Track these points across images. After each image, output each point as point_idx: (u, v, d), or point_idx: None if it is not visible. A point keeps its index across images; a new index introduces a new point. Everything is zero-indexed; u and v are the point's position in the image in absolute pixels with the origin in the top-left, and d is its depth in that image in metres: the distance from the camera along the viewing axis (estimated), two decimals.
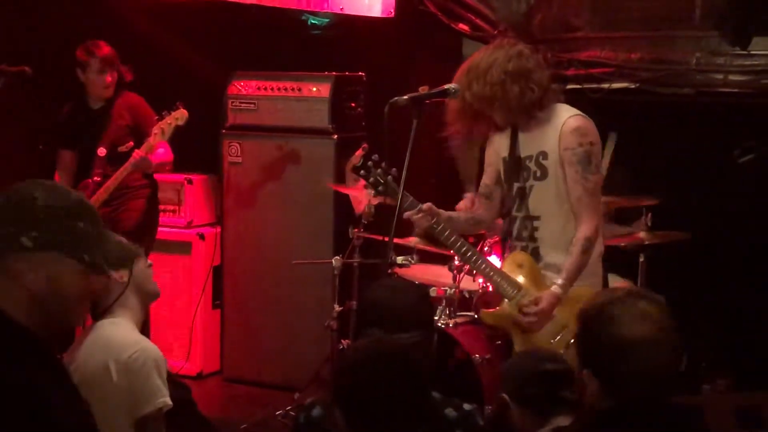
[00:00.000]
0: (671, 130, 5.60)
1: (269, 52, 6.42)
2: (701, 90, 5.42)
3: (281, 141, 6.09)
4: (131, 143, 5.55)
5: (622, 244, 5.03)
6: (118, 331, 3.25)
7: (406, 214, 3.82)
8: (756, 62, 5.28)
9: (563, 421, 2.80)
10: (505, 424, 2.83)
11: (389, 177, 3.86)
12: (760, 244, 5.45)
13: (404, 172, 3.68)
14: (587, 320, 2.47)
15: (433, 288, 5.07)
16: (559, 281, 3.82)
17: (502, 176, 4.04)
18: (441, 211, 3.94)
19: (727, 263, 5.50)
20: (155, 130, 5.37)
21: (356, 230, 5.45)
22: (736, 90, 5.35)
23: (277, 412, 5.55)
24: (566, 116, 3.86)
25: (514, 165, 3.96)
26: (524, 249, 3.96)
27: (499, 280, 3.93)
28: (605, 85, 5.55)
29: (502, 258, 4.13)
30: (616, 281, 5.01)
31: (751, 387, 4.68)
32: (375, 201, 5.30)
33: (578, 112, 3.90)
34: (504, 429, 2.83)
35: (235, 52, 6.49)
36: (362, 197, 5.36)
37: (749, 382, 4.83)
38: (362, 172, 3.90)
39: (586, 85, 5.54)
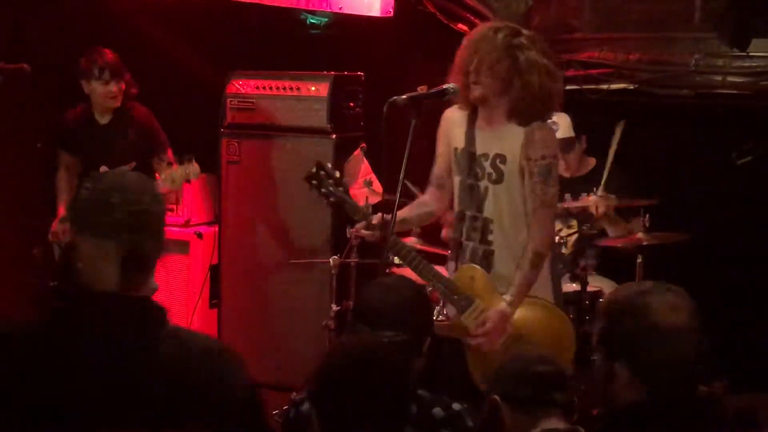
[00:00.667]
0: (670, 131, 5.60)
1: (268, 51, 6.41)
2: (700, 91, 5.43)
3: (280, 140, 6.08)
4: (134, 163, 5.49)
5: (620, 245, 5.04)
6: None
7: (356, 227, 3.83)
8: (755, 64, 5.29)
9: (553, 423, 2.80)
10: (496, 425, 2.83)
11: (340, 189, 3.86)
12: (757, 245, 5.45)
13: (403, 171, 3.67)
14: (616, 311, 2.46)
15: (430, 288, 5.06)
16: (508, 297, 3.79)
17: (453, 168, 3.98)
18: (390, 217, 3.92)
19: (724, 265, 5.50)
20: (164, 175, 5.25)
21: (354, 230, 5.44)
22: (734, 91, 5.35)
23: (274, 412, 5.54)
24: (533, 123, 3.81)
25: (467, 160, 3.90)
26: (475, 251, 3.90)
27: (449, 293, 3.90)
28: (604, 86, 5.55)
29: (455, 258, 4.04)
30: (605, 285, 5.02)
31: (747, 389, 4.68)
32: (373, 201, 5.30)
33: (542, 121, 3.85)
34: (495, 430, 2.82)
35: (233, 51, 6.48)
36: (360, 197, 5.36)
37: (746, 384, 4.82)
38: (314, 182, 3.90)
39: (585, 86, 5.54)
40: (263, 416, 2.33)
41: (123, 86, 5.50)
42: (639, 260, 4.98)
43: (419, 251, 5.13)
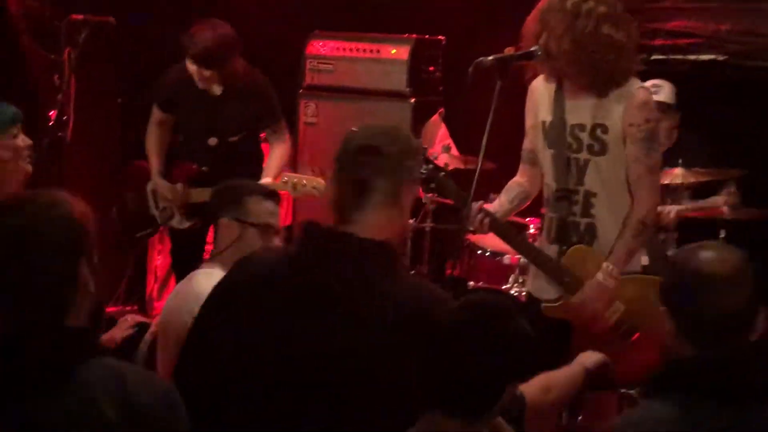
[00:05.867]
0: (759, 103, 5.45)
1: (349, 12, 6.38)
2: None
3: (358, 103, 6.05)
4: (244, 132, 5.24)
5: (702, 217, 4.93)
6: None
7: (469, 219, 3.68)
8: None
9: None
10: None
11: (441, 173, 3.73)
12: None
13: (485, 136, 3.59)
14: (673, 260, 2.51)
15: (507, 256, 5.03)
16: (605, 265, 3.63)
17: (543, 142, 3.80)
18: (488, 205, 3.82)
19: None
20: (284, 177, 4.99)
21: (430, 194, 5.40)
22: None
23: None
24: (631, 88, 3.65)
25: (559, 132, 3.73)
26: (576, 225, 3.74)
27: (559, 275, 3.73)
28: (692, 57, 5.42)
29: (558, 238, 3.81)
30: None
31: None
32: (451, 166, 5.25)
33: (641, 82, 3.70)
34: None
35: (314, 11, 6.46)
36: (438, 162, 5.30)
37: None
38: None
39: (672, 56, 5.42)
40: None
41: (216, 75, 5.03)
42: (722, 235, 4.87)
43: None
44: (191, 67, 5.01)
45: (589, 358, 3.02)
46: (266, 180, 5.04)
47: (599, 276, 3.64)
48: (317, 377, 2.40)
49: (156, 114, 5.37)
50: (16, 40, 5.67)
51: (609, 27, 3.62)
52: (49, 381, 1.96)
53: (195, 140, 5.27)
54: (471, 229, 4.81)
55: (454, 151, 5.57)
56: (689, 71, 5.40)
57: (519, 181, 3.95)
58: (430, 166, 3.74)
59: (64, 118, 5.29)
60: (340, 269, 2.46)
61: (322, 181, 5.05)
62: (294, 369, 2.41)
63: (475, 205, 3.68)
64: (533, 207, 4.27)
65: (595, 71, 3.63)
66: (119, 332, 3.68)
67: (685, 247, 2.50)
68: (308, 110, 6.19)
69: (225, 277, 2.63)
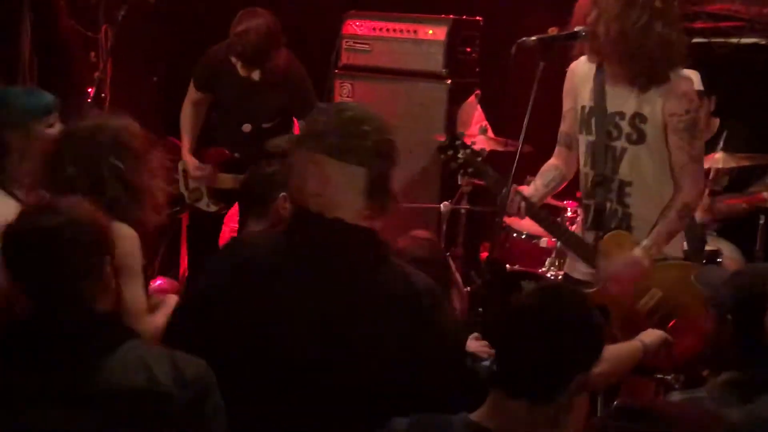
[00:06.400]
0: None
1: None
2: None
3: (394, 83, 6.01)
4: (278, 120, 5.27)
5: (744, 206, 4.87)
6: None
7: (508, 205, 3.63)
8: None
9: None
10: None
11: (479, 158, 3.69)
12: None
13: (527, 118, 3.56)
14: (744, 273, 2.51)
15: (544, 239, 4.99)
16: (645, 242, 3.60)
17: (580, 127, 3.76)
18: (524, 188, 3.80)
19: None
20: None
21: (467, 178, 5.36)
22: None
23: None
24: (672, 78, 3.59)
25: (599, 118, 3.68)
26: (614, 212, 3.71)
27: (593, 261, 3.70)
28: (734, 40, 5.34)
29: (595, 225, 3.79)
30: (724, 247, 4.85)
31: None
32: (488, 148, 5.22)
33: (682, 71, 3.64)
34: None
35: None
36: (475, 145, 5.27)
37: None
38: (449, 152, 3.66)
39: (713, 40, 5.34)
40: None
41: (261, 70, 5.12)
42: (761, 221, 4.82)
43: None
44: (236, 61, 5.07)
45: (649, 335, 3.00)
46: None
47: (637, 251, 3.62)
48: (296, 365, 2.36)
49: (192, 93, 5.40)
50: (55, 17, 5.67)
51: (662, 25, 3.56)
52: (80, 356, 2.21)
53: (229, 125, 5.31)
54: (508, 214, 4.81)
55: (491, 132, 5.53)
56: (731, 55, 5.32)
57: (555, 164, 3.92)
58: (468, 151, 3.70)
59: (102, 95, 5.31)
60: (329, 255, 2.42)
61: None
62: (276, 355, 2.37)
63: (512, 190, 3.63)
64: (571, 189, 4.24)
65: (635, 63, 3.58)
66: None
67: None
68: (344, 90, 6.16)
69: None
